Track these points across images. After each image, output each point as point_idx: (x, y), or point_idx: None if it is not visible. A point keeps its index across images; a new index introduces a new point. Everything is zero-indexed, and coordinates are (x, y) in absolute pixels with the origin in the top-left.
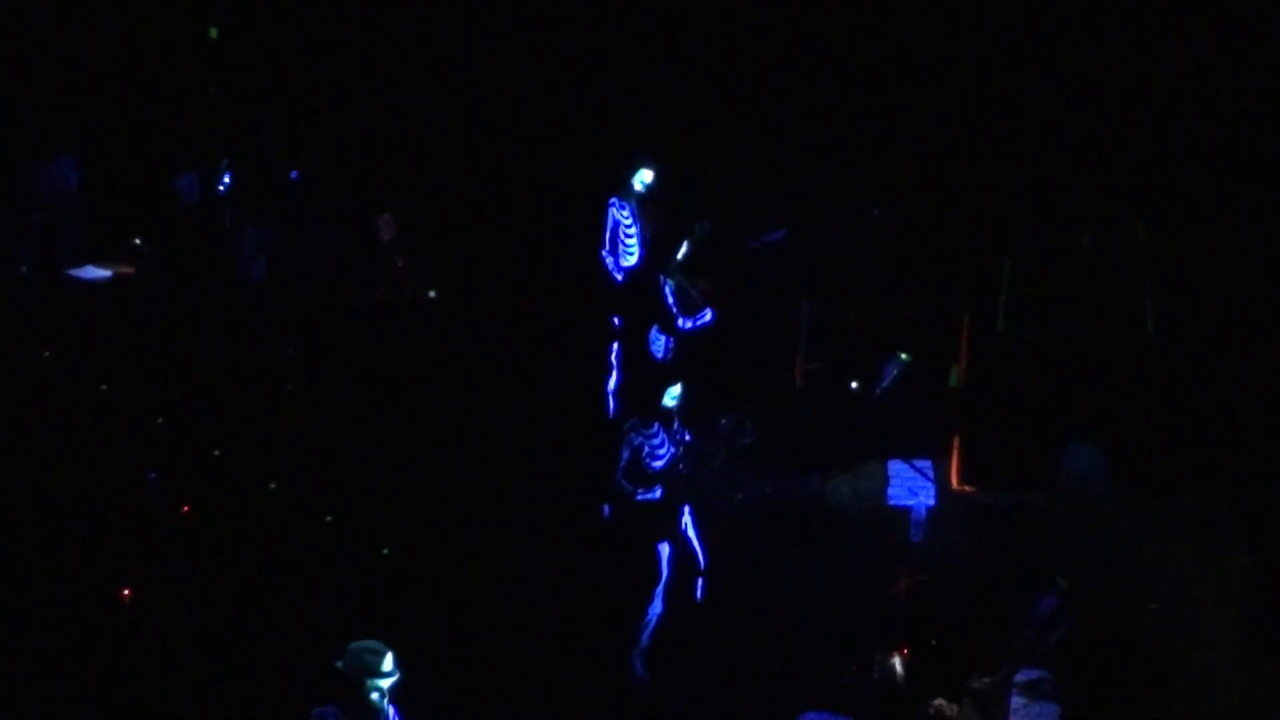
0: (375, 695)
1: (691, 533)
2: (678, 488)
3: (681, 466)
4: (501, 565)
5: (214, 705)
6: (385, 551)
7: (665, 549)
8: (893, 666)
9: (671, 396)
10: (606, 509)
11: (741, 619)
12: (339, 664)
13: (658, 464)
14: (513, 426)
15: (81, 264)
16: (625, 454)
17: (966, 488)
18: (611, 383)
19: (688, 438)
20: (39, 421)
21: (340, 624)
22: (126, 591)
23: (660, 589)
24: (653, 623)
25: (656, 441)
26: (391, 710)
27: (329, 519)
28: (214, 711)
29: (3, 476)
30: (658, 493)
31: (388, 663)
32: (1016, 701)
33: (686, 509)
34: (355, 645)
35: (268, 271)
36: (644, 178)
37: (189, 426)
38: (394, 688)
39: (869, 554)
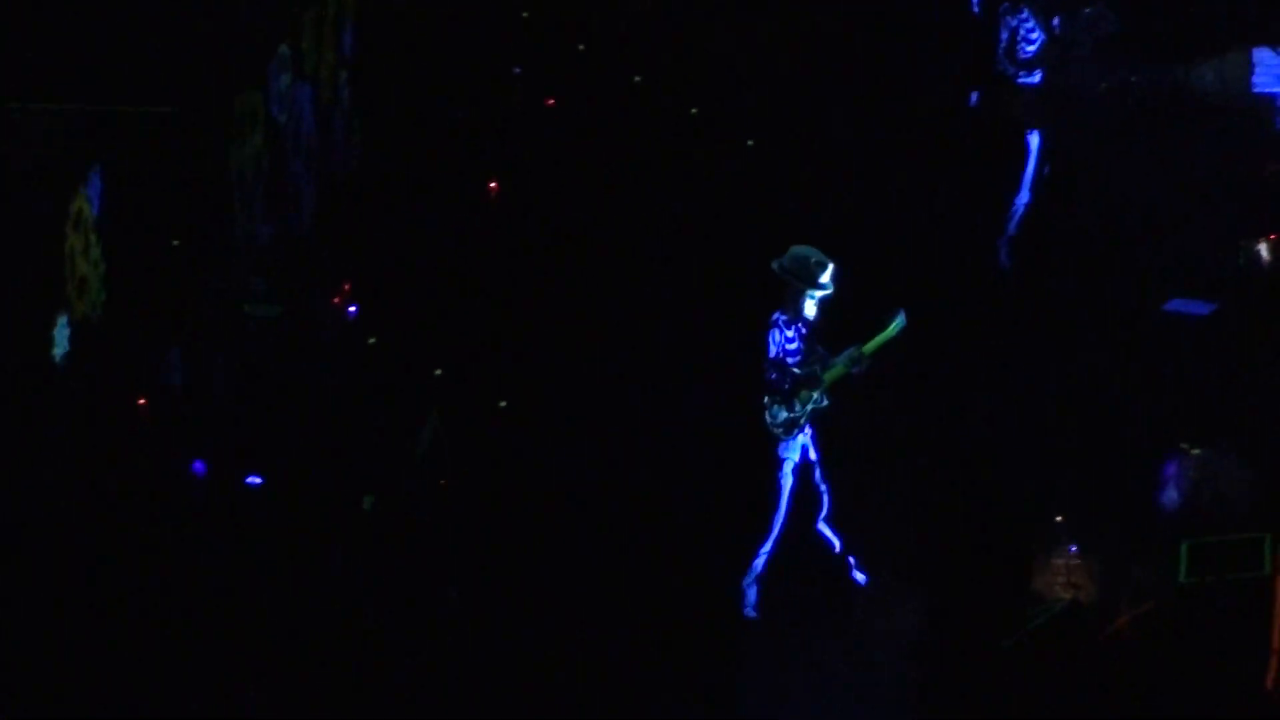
0: (810, 304)
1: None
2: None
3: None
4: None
5: None
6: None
7: (1035, 140)
8: (1259, 252)
9: None
10: (974, 96)
11: (1108, 208)
12: (776, 264)
13: (1030, 48)
14: None
15: None
16: (1004, 35)
17: None
18: None
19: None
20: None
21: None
22: (493, 185)
23: (1028, 179)
24: (1019, 212)
25: (1029, 26)
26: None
27: None
28: None
29: (371, 72)
30: (1036, 77)
31: (827, 275)
32: None
33: None
34: (799, 249)
35: None
36: None
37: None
38: (826, 300)
39: (1235, 142)
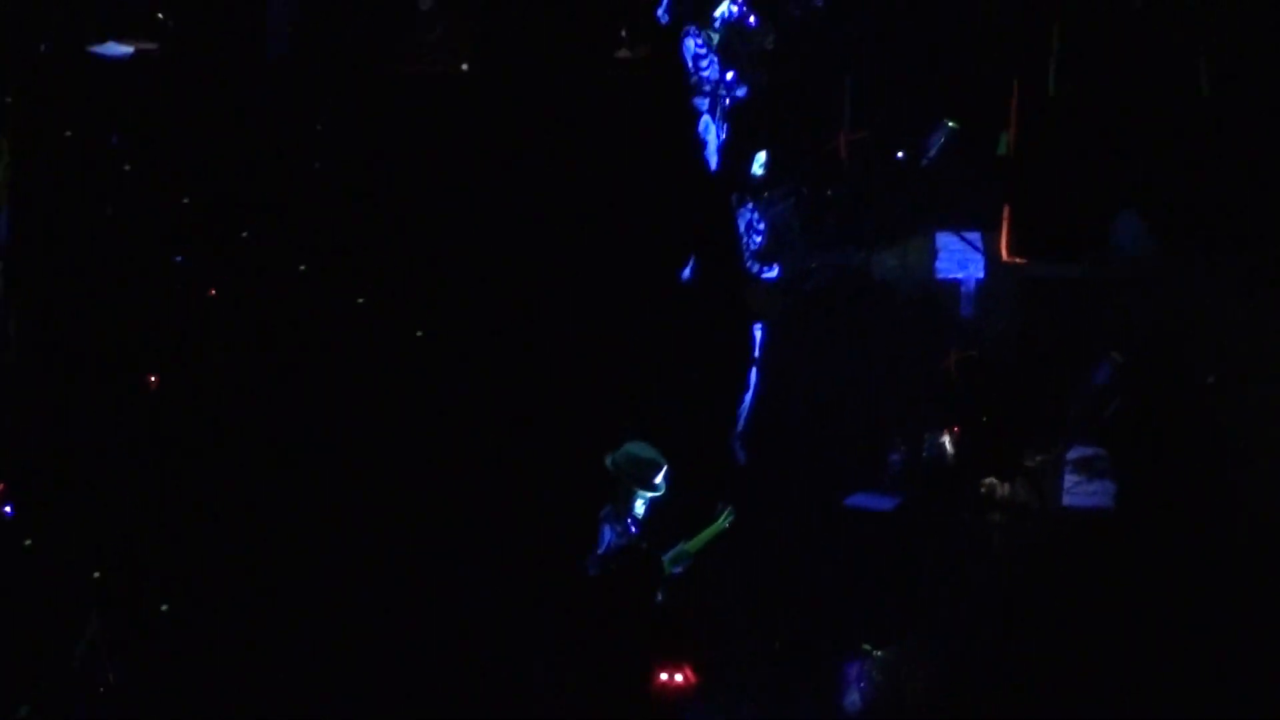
0: (640, 504)
1: None
2: None
3: None
4: None
5: None
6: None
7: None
8: (942, 445)
9: None
10: None
11: (785, 398)
12: (609, 460)
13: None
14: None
15: (103, 40)
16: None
17: (1017, 259)
18: None
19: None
20: (61, 202)
21: None
22: (153, 379)
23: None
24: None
25: (755, 217)
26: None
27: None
28: None
29: (25, 259)
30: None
31: (660, 477)
32: (1070, 479)
33: None
34: (633, 447)
35: (293, 44)
36: None
37: (215, 208)
38: (656, 501)
39: (917, 329)
